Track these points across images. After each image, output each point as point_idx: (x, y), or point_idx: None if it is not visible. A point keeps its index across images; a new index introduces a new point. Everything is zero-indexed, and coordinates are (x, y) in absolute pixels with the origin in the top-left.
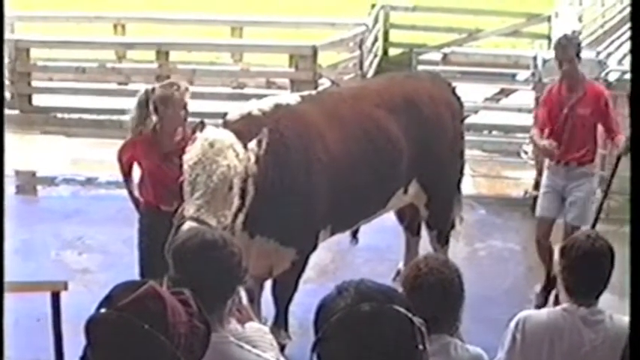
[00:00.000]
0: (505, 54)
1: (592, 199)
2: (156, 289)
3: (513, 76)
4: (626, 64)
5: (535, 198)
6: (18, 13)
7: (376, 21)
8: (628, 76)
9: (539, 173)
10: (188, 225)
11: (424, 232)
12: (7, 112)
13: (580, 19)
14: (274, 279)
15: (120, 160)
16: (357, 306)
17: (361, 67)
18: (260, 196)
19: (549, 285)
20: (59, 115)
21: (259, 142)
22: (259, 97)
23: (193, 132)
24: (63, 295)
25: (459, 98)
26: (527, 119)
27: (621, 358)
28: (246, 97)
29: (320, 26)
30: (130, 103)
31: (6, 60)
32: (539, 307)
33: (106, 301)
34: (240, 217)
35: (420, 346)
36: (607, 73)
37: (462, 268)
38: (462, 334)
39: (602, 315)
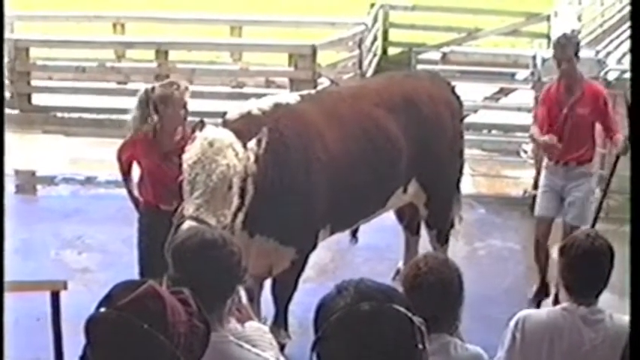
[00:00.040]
0: (504, 53)
1: (591, 199)
2: (155, 288)
3: (513, 75)
4: (626, 63)
5: (534, 197)
6: (18, 12)
7: (375, 20)
8: (627, 75)
9: (539, 172)
10: (187, 224)
11: (423, 231)
12: (6, 111)
13: (579, 18)
14: (274, 278)
15: (119, 159)
16: (356, 305)
17: (360, 67)
18: (259, 196)
19: (541, 292)
20: (59, 115)
21: (259, 142)
22: (259, 96)
23: (193, 131)
24: (62, 294)
25: (458, 97)
26: (527, 118)
27: (621, 358)
28: (246, 97)
29: (319, 25)
30: (130, 103)
31: (5, 59)
32: None
33: (106, 300)
34: (240, 217)
35: (420, 346)
36: (606, 72)
37: (461, 267)
38: (462, 333)
39: (602, 314)
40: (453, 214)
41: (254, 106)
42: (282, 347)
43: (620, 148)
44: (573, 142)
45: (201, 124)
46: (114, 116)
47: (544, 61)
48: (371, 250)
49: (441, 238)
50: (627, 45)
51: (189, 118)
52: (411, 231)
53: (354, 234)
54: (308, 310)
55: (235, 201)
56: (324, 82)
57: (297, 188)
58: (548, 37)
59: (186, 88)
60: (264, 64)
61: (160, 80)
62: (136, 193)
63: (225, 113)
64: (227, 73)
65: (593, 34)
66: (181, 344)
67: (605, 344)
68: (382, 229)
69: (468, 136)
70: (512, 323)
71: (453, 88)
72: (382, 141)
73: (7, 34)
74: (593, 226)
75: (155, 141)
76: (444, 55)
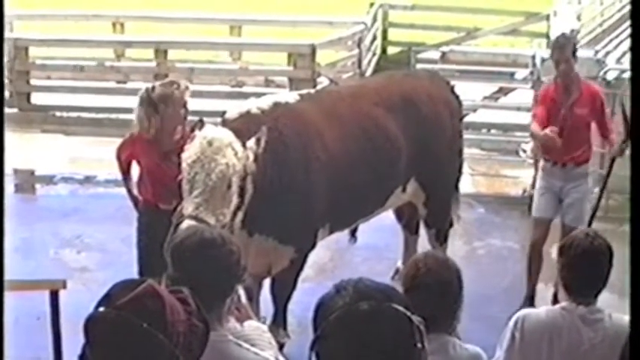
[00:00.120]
0: (504, 52)
1: (588, 199)
2: (154, 287)
3: (512, 74)
4: (625, 62)
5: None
6: (17, 11)
7: (375, 19)
8: (626, 74)
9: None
10: (187, 223)
11: (423, 230)
12: (5, 110)
13: (578, 18)
14: (273, 277)
15: (119, 158)
16: (355, 304)
17: (360, 66)
18: (259, 195)
19: (531, 299)
20: (58, 114)
21: (258, 141)
22: (258, 95)
23: (192, 130)
24: (62, 293)
25: (457, 97)
26: (526, 118)
27: (620, 357)
28: (245, 96)
29: (318, 25)
30: (129, 102)
31: (5, 58)
32: None
33: (105, 299)
34: (239, 216)
35: (419, 345)
36: (605, 72)
37: (460, 266)
38: (461, 332)
39: (601, 314)
40: (451, 213)
41: (253, 105)
42: (281, 346)
43: (616, 150)
44: (571, 143)
45: (201, 124)
46: (113, 115)
47: (543, 60)
48: (370, 249)
49: (440, 238)
50: (627, 44)
51: (189, 118)
52: (410, 230)
53: (353, 233)
54: (307, 309)
55: (234, 200)
56: (323, 82)
57: (297, 187)
58: (547, 36)
59: (187, 88)
60: (263, 63)
61: (159, 79)
62: (135, 192)
63: (224, 112)
64: (226, 72)
65: (592, 33)
66: (180, 343)
67: (604, 344)
68: (381, 229)
69: (467, 135)
70: (511, 322)
71: (452, 88)
72: (381, 140)
73: (6, 33)
74: (589, 225)
75: (155, 140)
76: (444, 54)
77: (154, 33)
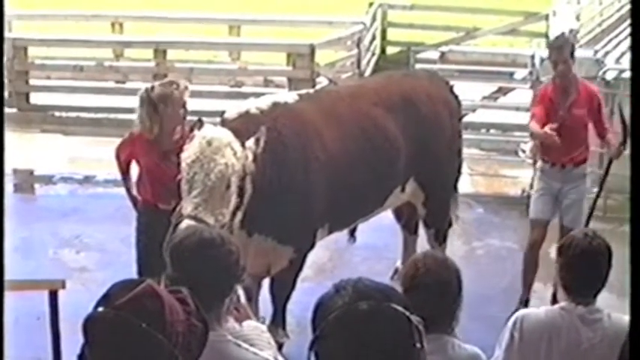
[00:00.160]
0: (503, 52)
1: (586, 200)
2: (153, 287)
3: (511, 74)
4: (624, 62)
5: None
6: (16, 11)
7: (374, 19)
8: (625, 74)
9: None
10: (186, 223)
11: (422, 230)
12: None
13: (578, 18)
14: (272, 277)
15: (118, 157)
16: (354, 304)
17: (359, 66)
18: (258, 195)
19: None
20: (57, 114)
21: (257, 141)
22: (257, 95)
23: (191, 130)
24: (61, 293)
25: (456, 97)
26: (525, 118)
27: (619, 357)
28: (244, 96)
29: (318, 25)
30: (128, 102)
31: (4, 58)
32: None
33: (104, 299)
34: (238, 216)
35: (418, 345)
36: (604, 72)
37: (459, 266)
38: (460, 332)
39: (600, 314)
40: (450, 213)
41: (252, 105)
42: (280, 346)
43: (614, 152)
44: (570, 144)
45: (200, 123)
46: (112, 115)
47: (542, 60)
48: (369, 249)
49: (439, 237)
50: (626, 44)
51: (188, 117)
52: (409, 230)
53: (352, 233)
54: (306, 309)
55: (233, 200)
56: (322, 82)
57: (296, 187)
58: (546, 36)
59: (186, 88)
60: (262, 63)
61: (158, 79)
62: (134, 192)
63: (223, 112)
64: (225, 72)
65: (591, 33)
66: (179, 343)
67: (603, 344)
68: (380, 229)
69: (466, 135)
70: (510, 322)
71: (451, 88)
72: (381, 140)
73: (5, 33)
74: (586, 225)
75: (154, 140)
76: (443, 54)
77: (153, 33)
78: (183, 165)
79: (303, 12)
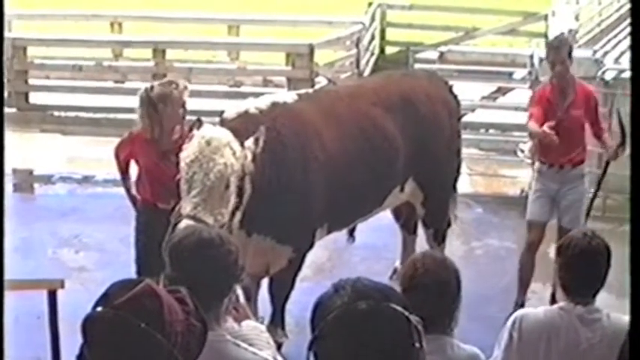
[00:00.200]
0: (502, 52)
1: (584, 200)
2: (152, 287)
3: (510, 74)
4: (623, 62)
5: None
6: (16, 11)
7: (373, 19)
8: (625, 74)
9: None
10: (185, 223)
11: (421, 230)
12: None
13: (577, 18)
14: (271, 277)
15: (117, 157)
16: (353, 304)
17: (358, 66)
18: (257, 195)
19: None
20: (56, 113)
21: (256, 140)
22: (256, 95)
23: (190, 130)
24: (60, 293)
25: (455, 97)
26: (524, 118)
27: (619, 357)
28: (243, 96)
29: (317, 24)
30: (127, 102)
31: (3, 58)
32: None
33: (103, 299)
34: (237, 216)
35: (417, 344)
36: (603, 72)
37: (458, 266)
38: (459, 332)
39: (599, 314)
40: (449, 213)
41: (251, 105)
42: (279, 346)
43: (612, 154)
44: (568, 145)
45: (199, 123)
46: (111, 115)
47: (541, 60)
48: (368, 249)
49: (438, 237)
50: (625, 44)
51: (187, 117)
52: (408, 230)
53: (351, 233)
54: (305, 309)
55: (232, 200)
56: (321, 82)
57: (295, 187)
58: (545, 36)
59: (185, 87)
60: (261, 63)
61: (158, 79)
62: (133, 191)
63: (222, 112)
64: (224, 72)
65: (590, 33)
66: (178, 343)
67: (602, 344)
68: (379, 228)
69: (465, 135)
70: (509, 322)
71: (450, 88)
72: (379, 140)
73: (5, 33)
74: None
75: (153, 140)
76: (442, 54)
77: (152, 33)
78: (183, 165)
79: (302, 12)
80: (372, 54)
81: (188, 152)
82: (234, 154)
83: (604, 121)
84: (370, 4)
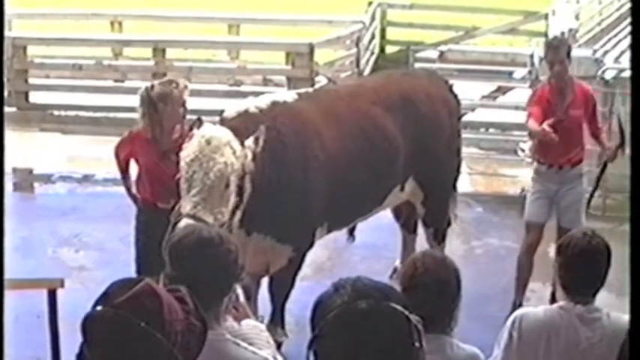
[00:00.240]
0: (502, 52)
1: (583, 200)
2: (152, 286)
3: (510, 73)
4: (623, 61)
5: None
6: (16, 10)
7: (373, 18)
8: (625, 73)
9: None
10: (185, 222)
11: (421, 229)
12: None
13: (577, 17)
14: (271, 276)
15: (117, 156)
16: (353, 303)
17: (358, 65)
18: (257, 194)
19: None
20: (56, 113)
21: (256, 140)
22: (256, 94)
23: (190, 129)
24: (59, 292)
25: (455, 96)
26: (524, 117)
27: (618, 356)
28: (243, 95)
29: (317, 24)
30: (128, 101)
31: (4, 57)
32: None
33: (103, 298)
34: (237, 215)
35: (417, 344)
36: (603, 71)
37: (458, 265)
38: (459, 331)
39: (599, 313)
40: (449, 212)
41: (251, 104)
42: (279, 345)
43: (610, 154)
44: (567, 144)
45: (199, 122)
46: (111, 114)
47: (541, 59)
48: (368, 248)
49: (438, 237)
50: (625, 43)
51: (187, 116)
52: (408, 229)
53: (351, 232)
54: (305, 308)
55: (232, 199)
56: (321, 81)
57: (295, 186)
58: (545, 35)
59: (186, 87)
60: (261, 62)
61: (158, 78)
62: (133, 190)
63: (222, 111)
64: (224, 71)
65: (590, 32)
66: (178, 342)
67: (602, 343)
68: (379, 228)
69: (465, 134)
70: (509, 322)
71: (450, 87)
72: (380, 139)
73: (5, 32)
74: None
75: (153, 139)
76: (442, 53)
77: (153, 32)
78: (183, 164)
79: (303, 11)
80: (372, 53)
81: (188, 151)
82: (234, 153)
83: (604, 120)
84: (370, 4)
